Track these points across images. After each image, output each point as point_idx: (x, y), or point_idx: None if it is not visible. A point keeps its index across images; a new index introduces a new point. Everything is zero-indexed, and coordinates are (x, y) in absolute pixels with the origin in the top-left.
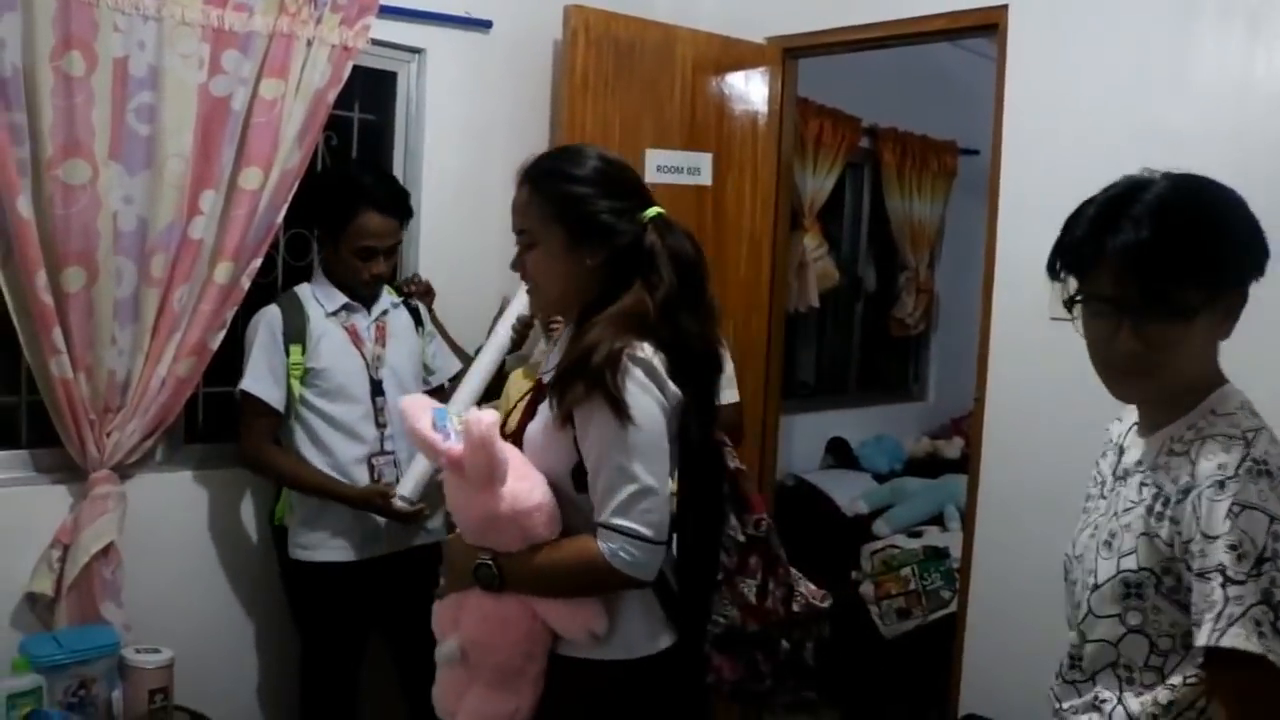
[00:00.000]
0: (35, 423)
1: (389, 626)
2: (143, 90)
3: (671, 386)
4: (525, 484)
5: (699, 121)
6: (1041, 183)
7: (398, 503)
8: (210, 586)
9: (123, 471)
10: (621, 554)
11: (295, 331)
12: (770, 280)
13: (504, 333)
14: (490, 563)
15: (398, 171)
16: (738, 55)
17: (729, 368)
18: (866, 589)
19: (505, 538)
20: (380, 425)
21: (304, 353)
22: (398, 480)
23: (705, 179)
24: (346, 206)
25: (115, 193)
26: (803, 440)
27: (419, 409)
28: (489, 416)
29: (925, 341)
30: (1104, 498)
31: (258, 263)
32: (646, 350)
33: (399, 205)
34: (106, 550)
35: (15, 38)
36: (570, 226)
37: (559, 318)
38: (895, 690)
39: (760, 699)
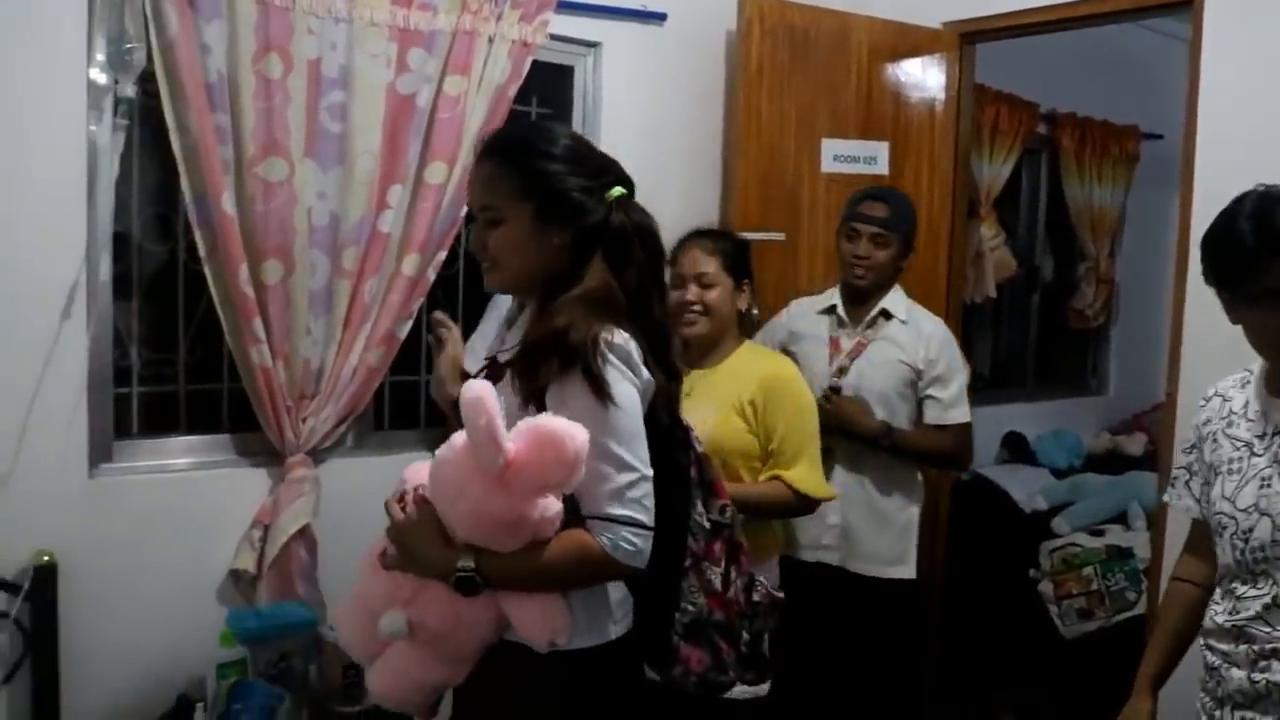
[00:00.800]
0: (236, 409)
1: None
2: (334, 90)
3: (645, 372)
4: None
5: (875, 110)
6: (1240, 170)
7: None
8: None
9: (317, 456)
10: (623, 544)
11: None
12: (947, 270)
13: None
14: (474, 573)
15: None
16: (914, 41)
17: (958, 384)
18: (1045, 587)
19: (513, 541)
20: None
21: None
22: None
23: (882, 168)
24: None
25: (310, 189)
26: (978, 434)
27: (494, 401)
28: (559, 421)
29: (1105, 333)
30: (1259, 455)
31: (443, 255)
32: (621, 335)
33: None
34: (303, 531)
35: (221, 45)
36: (539, 203)
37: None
38: (1073, 692)
39: (719, 691)
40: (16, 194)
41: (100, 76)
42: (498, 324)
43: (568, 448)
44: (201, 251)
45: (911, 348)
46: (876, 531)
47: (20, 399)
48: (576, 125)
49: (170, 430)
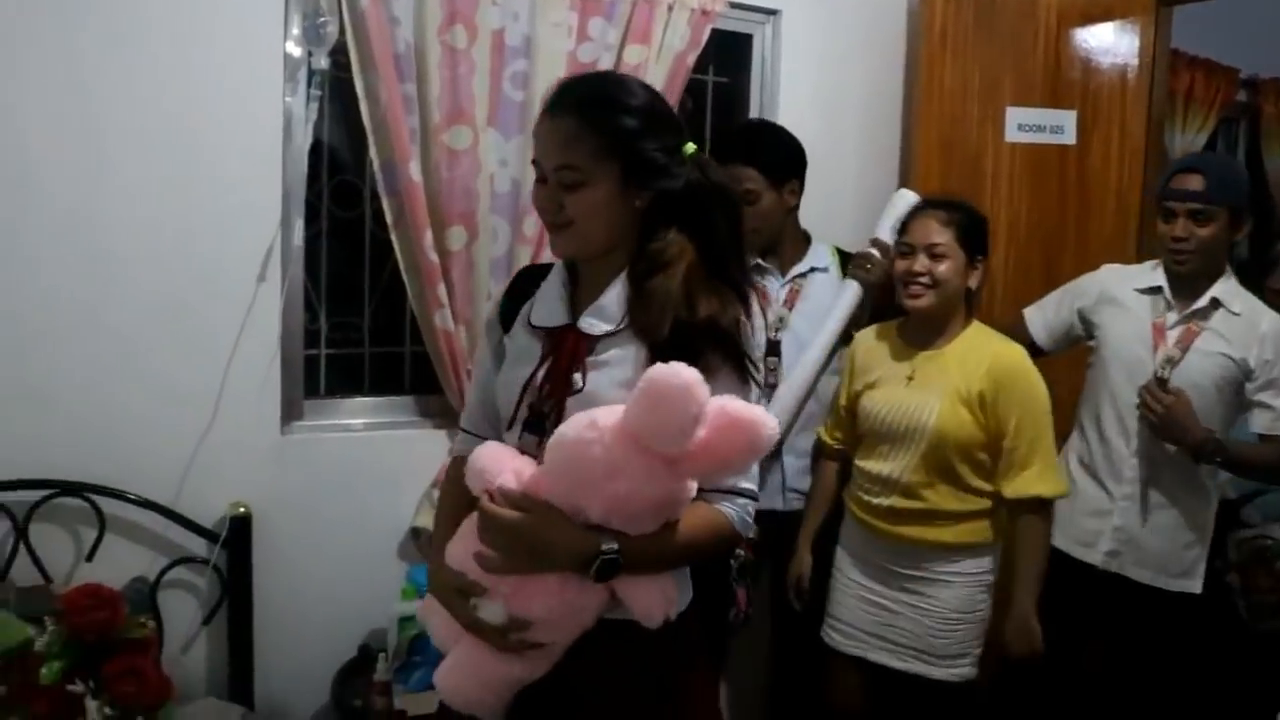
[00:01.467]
0: (417, 371)
1: None
2: (517, 59)
3: None
4: None
5: (1063, 77)
6: None
7: None
8: None
9: None
10: (746, 517)
11: None
12: (1137, 245)
13: (834, 328)
14: (617, 554)
15: None
16: (1106, 5)
17: None
18: (1232, 579)
19: (654, 522)
20: (768, 385)
21: None
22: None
23: (1069, 138)
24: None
25: (492, 156)
26: None
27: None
28: (753, 409)
29: None
30: None
31: None
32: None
33: (751, 152)
34: None
35: (409, 16)
36: (624, 164)
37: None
38: (1261, 688)
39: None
40: (219, 162)
41: (295, 49)
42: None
43: (761, 435)
44: (389, 218)
45: (1242, 344)
46: (1164, 538)
47: (219, 359)
48: (754, 94)
49: (355, 391)
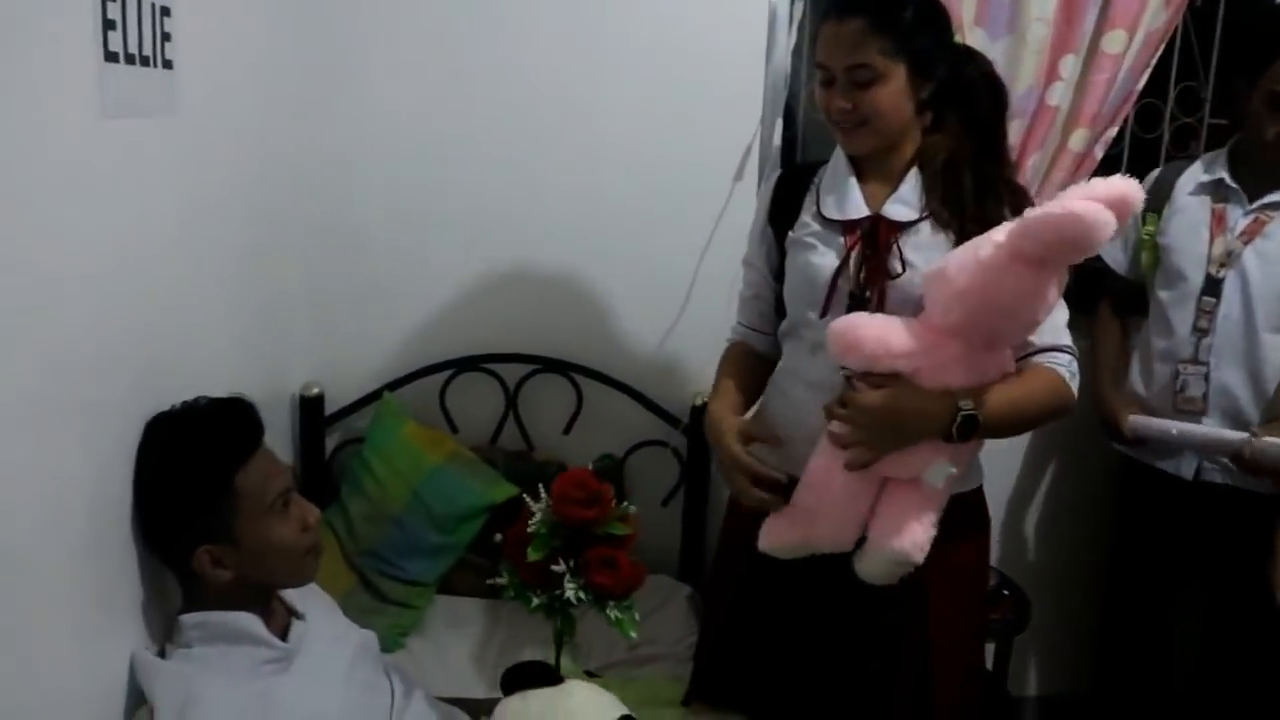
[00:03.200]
0: None
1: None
2: None
3: None
4: None
5: None
6: None
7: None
8: None
9: None
10: (1077, 373)
11: (1155, 199)
12: None
13: None
14: (974, 412)
15: None
16: None
17: None
18: None
19: (997, 370)
20: (1199, 330)
21: (1156, 224)
22: (1204, 397)
23: None
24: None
25: None
26: None
27: None
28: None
29: None
30: None
31: (1113, 132)
32: None
33: None
34: None
35: None
36: (911, 58)
37: None
38: None
39: None
40: (704, 59)
41: None
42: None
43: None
44: None
45: None
46: None
47: (693, 254)
48: None
49: None
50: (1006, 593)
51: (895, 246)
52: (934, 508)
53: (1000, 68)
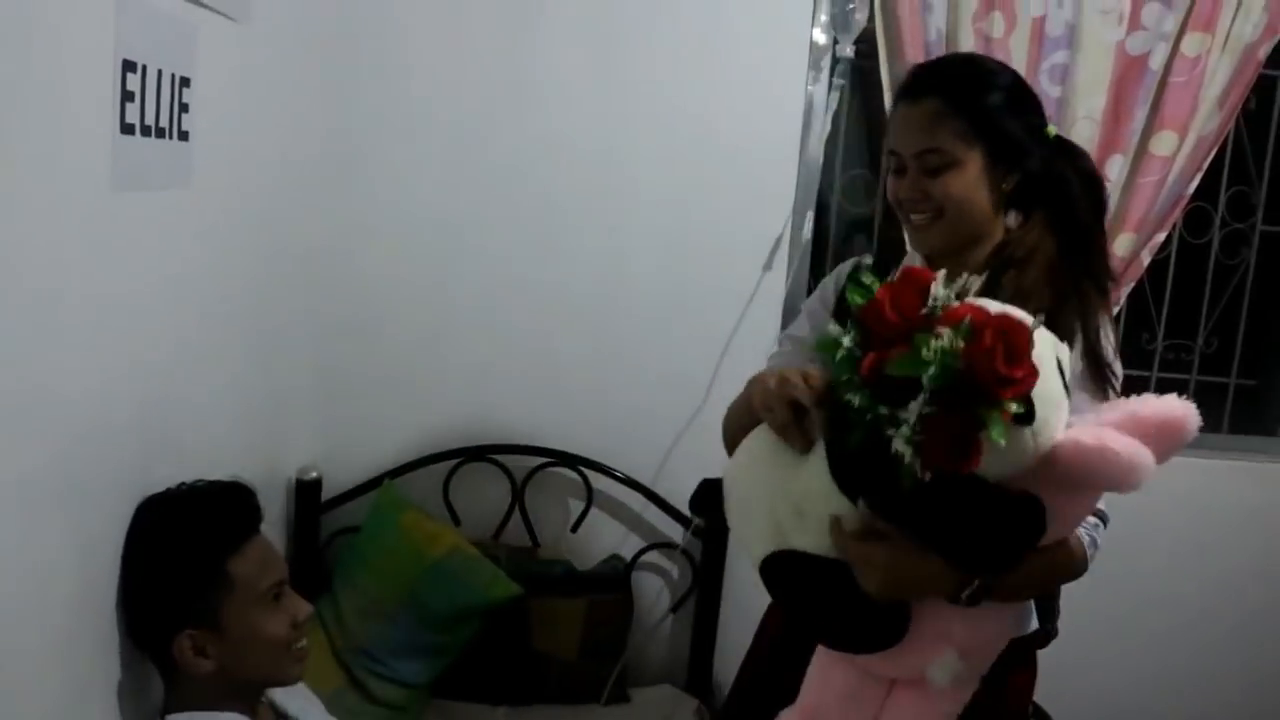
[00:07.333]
0: None
1: None
2: (1057, 50)
3: None
4: None
5: None
6: None
7: None
8: None
9: None
10: (1097, 539)
11: None
12: None
13: None
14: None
15: None
16: None
17: None
18: None
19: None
20: None
21: None
22: None
23: None
24: None
25: None
26: None
27: None
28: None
29: None
30: None
31: (1161, 237)
32: None
33: None
34: None
35: (943, 3)
36: (990, 145)
37: None
38: None
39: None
40: (736, 148)
41: (821, 36)
42: None
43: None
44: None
45: None
46: None
47: (716, 345)
48: None
49: None
50: None
51: None
52: (943, 716)
53: None
